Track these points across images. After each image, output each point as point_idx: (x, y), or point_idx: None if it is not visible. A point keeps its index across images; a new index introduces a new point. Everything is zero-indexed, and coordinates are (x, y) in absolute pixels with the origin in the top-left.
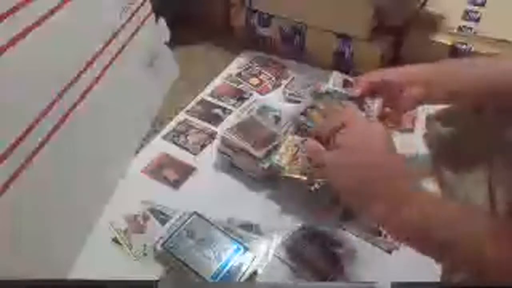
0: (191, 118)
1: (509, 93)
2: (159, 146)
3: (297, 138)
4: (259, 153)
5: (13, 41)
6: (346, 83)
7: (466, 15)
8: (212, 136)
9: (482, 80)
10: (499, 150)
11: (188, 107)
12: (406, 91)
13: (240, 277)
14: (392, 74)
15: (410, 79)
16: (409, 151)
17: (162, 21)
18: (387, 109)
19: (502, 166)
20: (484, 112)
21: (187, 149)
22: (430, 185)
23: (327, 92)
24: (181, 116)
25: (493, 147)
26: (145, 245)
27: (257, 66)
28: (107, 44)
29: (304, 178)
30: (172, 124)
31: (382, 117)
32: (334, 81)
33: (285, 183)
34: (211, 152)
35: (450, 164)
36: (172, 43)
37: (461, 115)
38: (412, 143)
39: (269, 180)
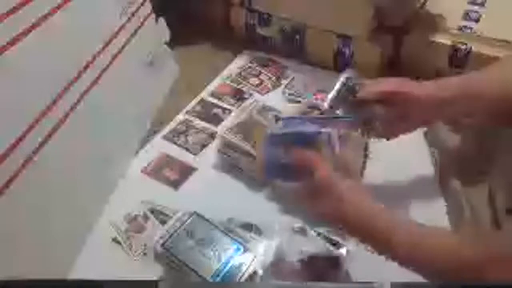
0: (191, 118)
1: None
2: (159, 146)
3: None
4: None
5: (13, 41)
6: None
7: (466, 15)
8: (212, 136)
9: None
10: (499, 157)
11: (188, 107)
12: (416, 111)
13: (240, 277)
14: (410, 87)
15: (427, 100)
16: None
17: (162, 21)
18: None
19: (502, 172)
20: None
21: (187, 149)
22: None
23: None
24: (181, 116)
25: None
26: (145, 245)
27: (257, 66)
28: (107, 44)
29: None
30: (172, 124)
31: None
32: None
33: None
34: (211, 152)
35: (453, 171)
36: (172, 43)
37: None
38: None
39: (269, 180)
